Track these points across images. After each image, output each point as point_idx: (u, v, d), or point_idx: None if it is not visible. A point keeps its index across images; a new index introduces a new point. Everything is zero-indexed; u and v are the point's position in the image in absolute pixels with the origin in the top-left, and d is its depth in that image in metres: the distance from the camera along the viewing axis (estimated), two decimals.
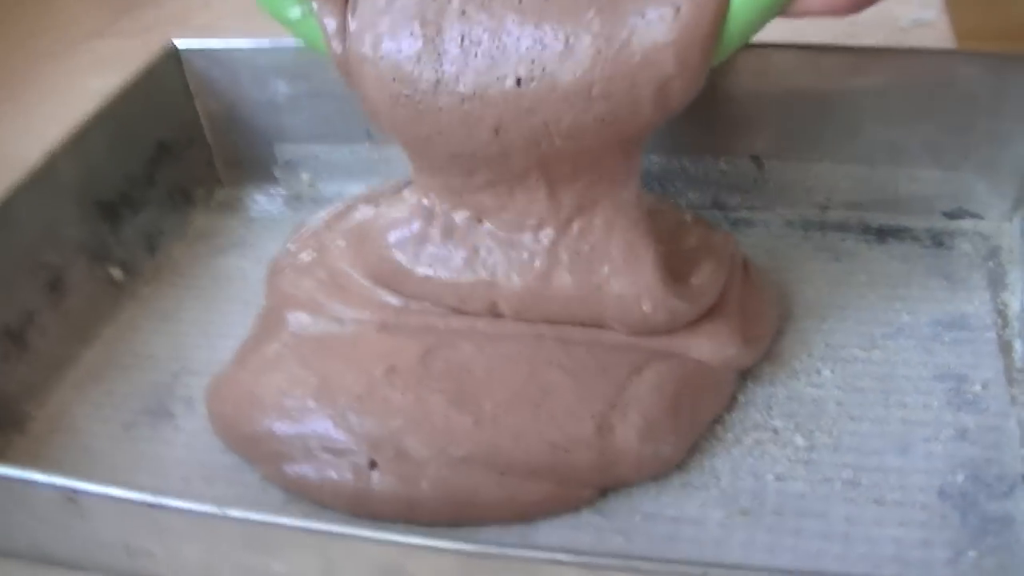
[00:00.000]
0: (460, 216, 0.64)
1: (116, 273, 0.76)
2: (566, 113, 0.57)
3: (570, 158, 0.60)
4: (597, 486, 0.61)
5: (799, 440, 0.63)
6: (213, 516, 0.50)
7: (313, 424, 0.61)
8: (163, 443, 0.66)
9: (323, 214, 0.75)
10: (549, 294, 0.63)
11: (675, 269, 0.64)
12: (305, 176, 0.84)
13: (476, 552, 0.48)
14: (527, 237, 0.63)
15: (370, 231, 0.68)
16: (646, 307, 0.62)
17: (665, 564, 0.47)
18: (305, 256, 0.71)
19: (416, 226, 0.65)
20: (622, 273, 0.62)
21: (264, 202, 0.85)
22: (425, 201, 0.65)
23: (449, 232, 0.64)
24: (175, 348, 0.73)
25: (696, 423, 0.63)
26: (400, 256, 0.66)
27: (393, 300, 0.67)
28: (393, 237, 0.66)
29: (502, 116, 0.58)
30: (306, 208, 0.79)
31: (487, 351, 0.63)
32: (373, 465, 0.60)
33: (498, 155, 0.60)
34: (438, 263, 0.65)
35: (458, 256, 0.64)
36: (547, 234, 0.63)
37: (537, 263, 0.63)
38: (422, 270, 0.65)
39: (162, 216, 0.81)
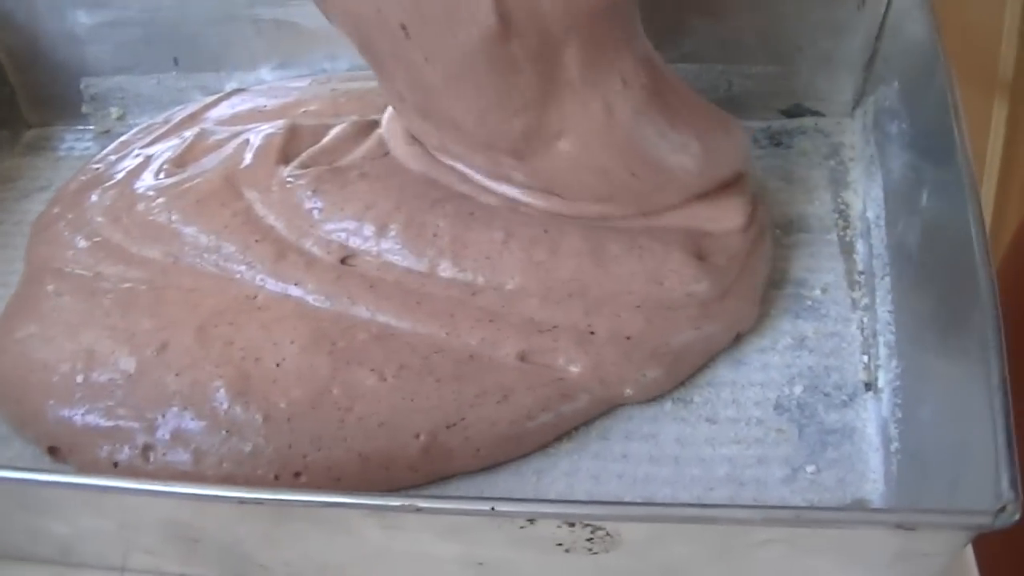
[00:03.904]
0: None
1: None
2: None
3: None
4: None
5: None
6: None
7: (81, 406, 0.57)
8: None
9: (96, 158, 0.71)
10: None
11: None
12: (114, 110, 0.79)
13: (253, 499, 0.43)
14: None
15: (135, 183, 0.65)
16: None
17: (448, 501, 0.43)
18: (68, 213, 0.66)
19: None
20: None
21: (73, 140, 0.79)
22: None
23: None
24: None
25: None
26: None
27: (158, 255, 0.62)
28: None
29: None
30: None
31: (275, 334, 0.57)
32: (148, 451, 0.55)
33: None
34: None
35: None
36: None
37: None
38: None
39: None
